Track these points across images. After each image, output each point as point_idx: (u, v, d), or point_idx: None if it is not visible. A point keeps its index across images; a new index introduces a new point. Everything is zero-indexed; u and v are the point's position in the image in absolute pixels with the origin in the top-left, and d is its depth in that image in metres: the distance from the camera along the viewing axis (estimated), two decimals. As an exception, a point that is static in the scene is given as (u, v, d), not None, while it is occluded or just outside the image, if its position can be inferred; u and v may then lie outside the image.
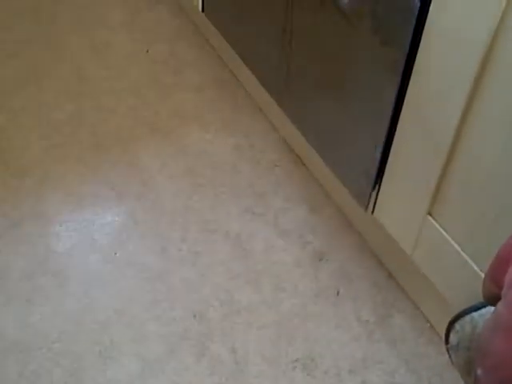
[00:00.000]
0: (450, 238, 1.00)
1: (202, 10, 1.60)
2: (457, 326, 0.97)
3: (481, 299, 0.91)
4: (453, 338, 0.99)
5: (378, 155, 1.09)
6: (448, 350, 1.01)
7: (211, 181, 1.48)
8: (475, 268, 0.97)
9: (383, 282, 1.31)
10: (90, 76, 1.70)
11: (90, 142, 1.54)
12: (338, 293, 1.30)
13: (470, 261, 0.98)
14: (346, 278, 1.32)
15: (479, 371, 0.65)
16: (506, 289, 0.67)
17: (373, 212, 1.18)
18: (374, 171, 1.12)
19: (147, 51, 1.78)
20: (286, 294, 1.28)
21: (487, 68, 0.84)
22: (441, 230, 1.02)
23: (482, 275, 0.96)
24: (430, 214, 1.03)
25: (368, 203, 1.18)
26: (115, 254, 1.33)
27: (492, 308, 0.88)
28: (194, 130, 1.58)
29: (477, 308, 0.94)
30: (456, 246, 0.99)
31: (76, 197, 1.42)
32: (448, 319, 1.00)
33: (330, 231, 1.39)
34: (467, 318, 0.95)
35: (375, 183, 1.13)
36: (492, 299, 0.74)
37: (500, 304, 0.68)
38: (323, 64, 1.19)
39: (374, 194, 1.16)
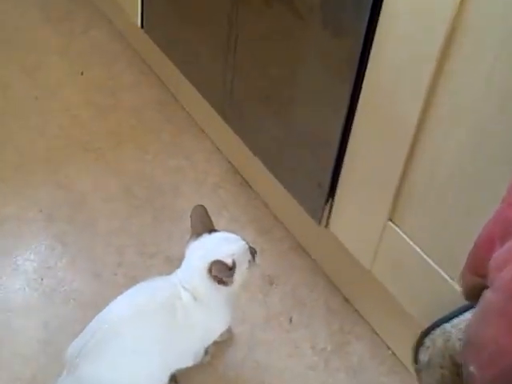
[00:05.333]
0: (413, 244, 0.92)
1: (142, 26, 1.52)
2: (427, 341, 0.87)
3: (451, 308, 0.82)
4: (422, 355, 0.88)
5: (332, 159, 1.00)
6: (417, 372, 0.91)
7: (150, 202, 1.36)
8: (443, 274, 0.88)
9: (339, 306, 1.21)
10: (18, 96, 1.57)
11: (16, 162, 1.40)
12: (290, 319, 1.19)
13: (436, 267, 0.89)
14: (298, 304, 1.21)
15: (473, 368, 0.56)
16: (493, 274, 0.59)
17: (327, 225, 1.09)
18: (327, 178, 1.03)
19: (82, 73, 1.67)
20: (234, 322, 1.16)
21: (451, 48, 0.77)
22: (403, 235, 0.93)
23: (451, 281, 0.88)
24: (390, 219, 0.95)
25: (321, 216, 1.08)
26: (41, 279, 1.18)
27: (468, 315, 0.79)
28: (132, 151, 1.47)
29: (448, 318, 0.85)
30: (420, 252, 0.91)
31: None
32: (411, 345, 0.90)
33: (279, 254, 1.29)
34: (438, 330, 0.85)
35: (329, 192, 1.05)
36: (474, 293, 0.65)
37: (488, 292, 0.59)
38: (271, 67, 1.11)
39: (327, 205, 1.07)
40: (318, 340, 1.15)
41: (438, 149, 0.84)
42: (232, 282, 0.95)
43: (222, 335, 1.11)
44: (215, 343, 1.10)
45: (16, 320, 1.12)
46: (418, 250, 0.91)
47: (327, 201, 1.06)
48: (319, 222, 1.09)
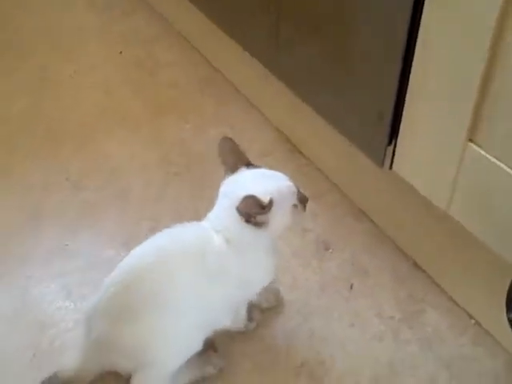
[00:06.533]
0: (503, 165, 0.74)
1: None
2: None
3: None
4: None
5: (396, 74, 0.84)
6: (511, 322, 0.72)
7: (188, 171, 1.22)
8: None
9: (408, 273, 1.03)
10: (53, 71, 1.48)
11: (46, 133, 1.29)
12: (351, 286, 1.01)
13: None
14: (359, 271, 1.04)
15: None
16: None
17: (391, 166, 0.92)
18: (390, 103, 0.87)
19: (120, 52, 1.57)
20: (283, 288, 0.99)
21: None
22: (489, 157, 0.75)
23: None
24: (471, 140, 0.77)
25: (384, 155, 0.92)
26: (66, 245, 1.05)
27: None
28: (171, 121, 1.34)
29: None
30: (513, 172, 0.73)
31: (22, 185, 1.17)
32: (499, 311, 0.72)
33: (335, 219, 1.12)
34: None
35: (393, 122, 0.88)
36: None
37: None
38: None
39: (392, 143, 0.90)
40: (384, 308, 0.97)
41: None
42: (266, 225, 0.78)
43: (268, 301, 0.95)
44: (261, 310, 0.94)
45: (35, 287, 0.99)
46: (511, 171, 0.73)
47: (391, 135, 0.89)
48: (382, 163, 0.93)
